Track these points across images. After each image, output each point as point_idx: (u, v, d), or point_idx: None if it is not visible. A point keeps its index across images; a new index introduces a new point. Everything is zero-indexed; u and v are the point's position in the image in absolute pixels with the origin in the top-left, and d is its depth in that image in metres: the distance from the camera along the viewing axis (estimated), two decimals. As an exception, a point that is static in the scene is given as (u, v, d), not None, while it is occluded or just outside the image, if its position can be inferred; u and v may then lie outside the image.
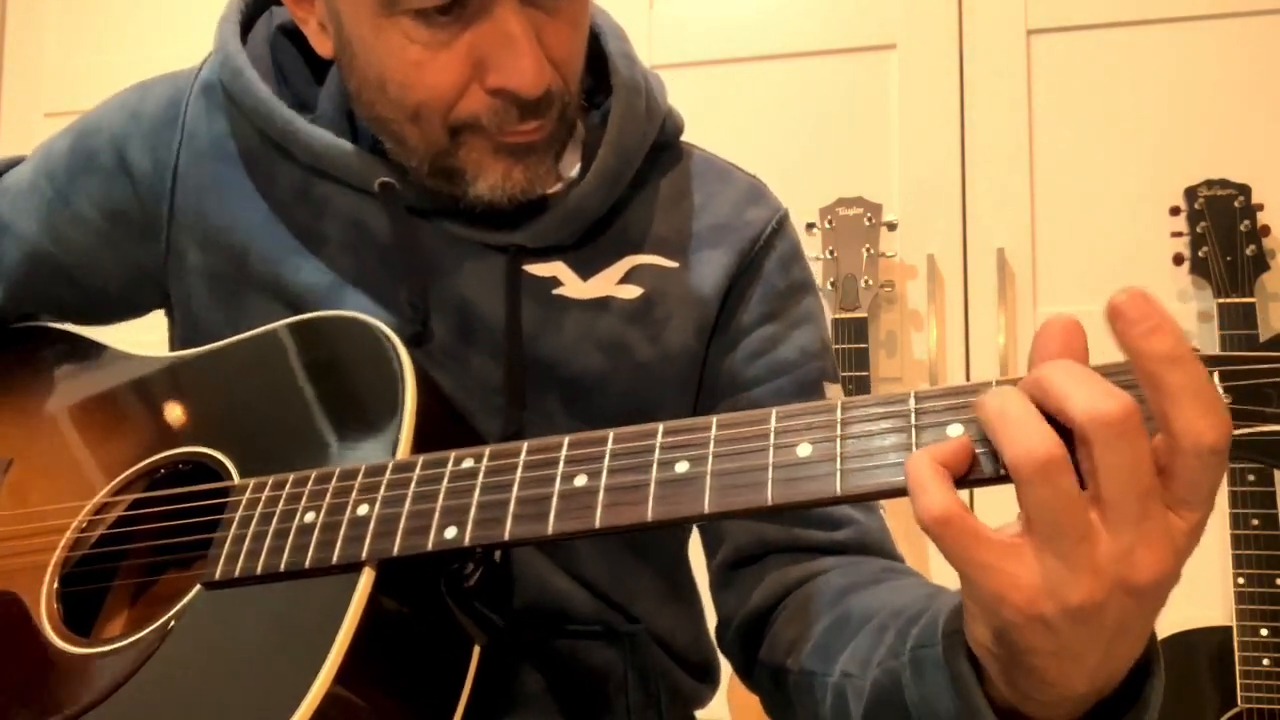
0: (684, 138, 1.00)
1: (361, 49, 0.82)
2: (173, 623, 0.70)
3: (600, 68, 0.93)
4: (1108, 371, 0.52)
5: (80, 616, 0.79)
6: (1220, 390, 0.50)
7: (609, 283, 0.90)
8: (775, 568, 0.88)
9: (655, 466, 0.61)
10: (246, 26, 0.95)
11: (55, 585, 0.79)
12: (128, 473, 0.82)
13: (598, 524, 0.60)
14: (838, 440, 0.57)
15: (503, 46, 0.78)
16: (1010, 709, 0.56)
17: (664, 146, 0.97)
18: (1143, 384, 0.48)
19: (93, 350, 0.94)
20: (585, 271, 0.90)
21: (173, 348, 0.98)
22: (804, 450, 0.57)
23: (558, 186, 0.90)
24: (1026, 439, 0.48)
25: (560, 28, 0.82)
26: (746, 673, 0.91)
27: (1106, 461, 0.47)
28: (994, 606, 0.50)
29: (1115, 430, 0.47)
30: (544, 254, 0.89)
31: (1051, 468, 0.47)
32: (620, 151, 0.90)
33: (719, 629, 0.93)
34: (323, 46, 0.87)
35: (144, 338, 0.99)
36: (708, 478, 0.59)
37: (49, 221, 0.96)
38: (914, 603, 0.68)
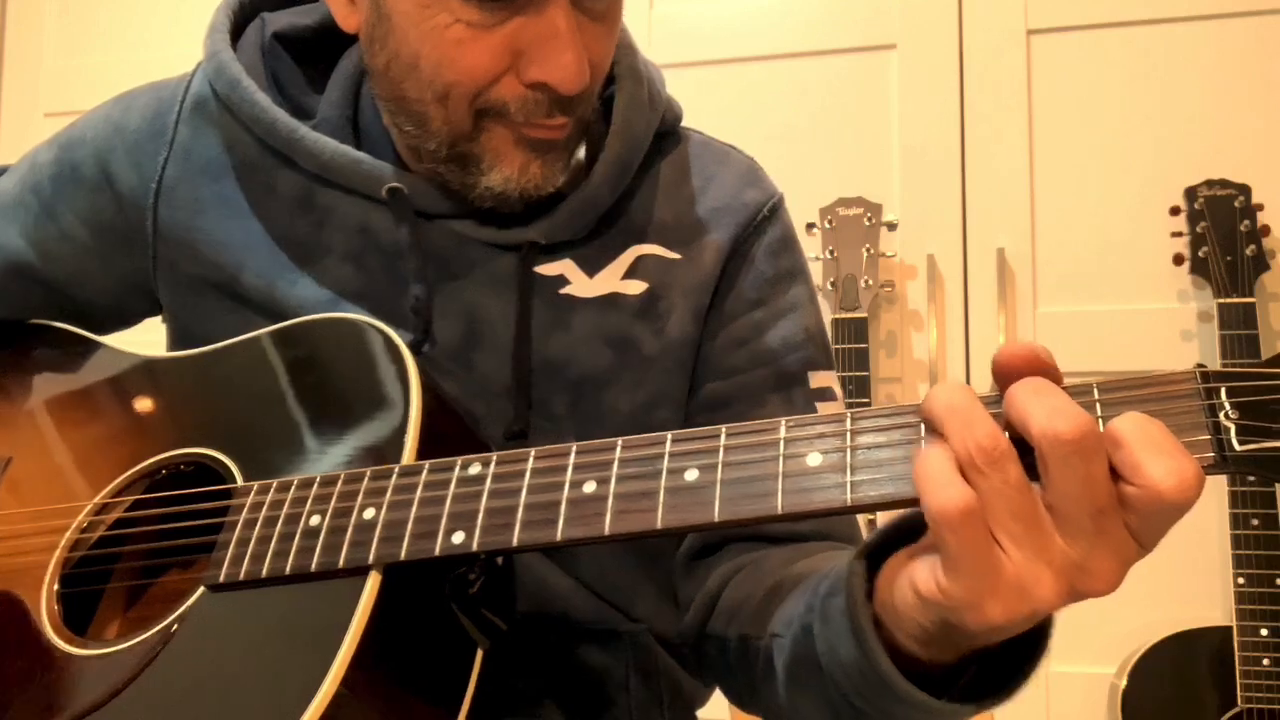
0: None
1: (401, 22, 0.81)
2: (176, 625, 0.70)
3: None
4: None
5: (80, 617, 0.79)
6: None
7: (614, 278, 0.90)
8: (733, 555, 0.89)
9: (665, 474, 0.60)
10: (235, 35, 0.95)
11: (55, 586, 0.78)
12: (129, 473, 0.82)
13: (607, 530, 0.60)
14: (848, 451, 0.57)
15: (549, 40, 0.79)
16: (908, 654, 0.59)
17: (665, 134, 0.97)
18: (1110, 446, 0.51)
19: (95, 349, 0.94)
20: (591, 268, 0.90)
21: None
22: (814, 459, 0.58)
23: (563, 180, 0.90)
24: (974, 432, 0.51)
25: (599, 32, 0.83)
26: (698, 654, 0.90)
27: (1059, 476, 0.50)
28: (967, 605, 0.53)
29: (1069, 449, 0.50)
30: (554, 251, 0.89)
31: (998, 454, 0.51)
32: (628, 140, 0.91)
33: (680, 617, 0.93)
34: (347, 21, 0.87)
35: (144, 338, 0.99)
36: (717, 486, 0.59)
37: (35, 236, 0.96)
38: (844, 561, 0.68)
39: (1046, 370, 0.54)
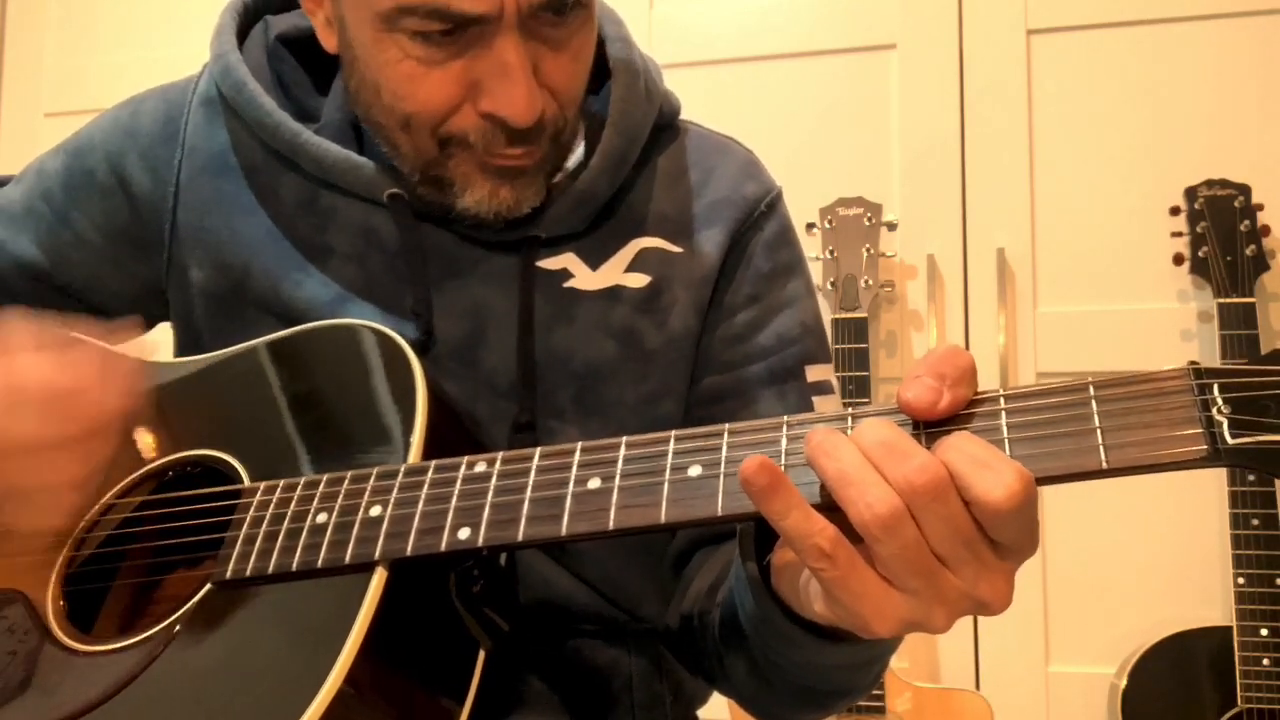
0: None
1: (361, 53, 0.82)
2: (182, 621, 0.70)
3: (597, 52, 0.93)
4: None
5: (86, 615, 0.79)
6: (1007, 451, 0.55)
7: (617, 271, 0.90)
8: (710, 549, 0.90)
9: (669, 470, 0.61)
10: (241, 36, 0.95)
11: (62, 584, 0.79)
12: (137, 473, 0.82)
13: (611, 525, 0.61)
14: None
15: (498, 75, 0.79)
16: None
17: (663, 127, 0.97)
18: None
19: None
20: (594, 260, 0.90)
21: (178, 356, 0.98)
22: None
23: (560, 175, 0.90)
24: (868, 497, 0.54)
25: (561, 59, 0.83)
26: (678, 645, 0.92)
27: (927, 522, 0.54)
28: (857, 625, 0.57)
29: (929, 497, 0.53)
30: (555, 244, 0.90)
31: (894, 521, 0.53)
32: (624, 131, 0.91)
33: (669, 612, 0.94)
34: (328, 41, 0.88)
35: (148, 338, 0.99)
36: (720, 480, 0.60)
37: (48, 243, 0.96)
38: None
39: (943, 414, 0.57)
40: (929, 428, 0.57)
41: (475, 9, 0.76)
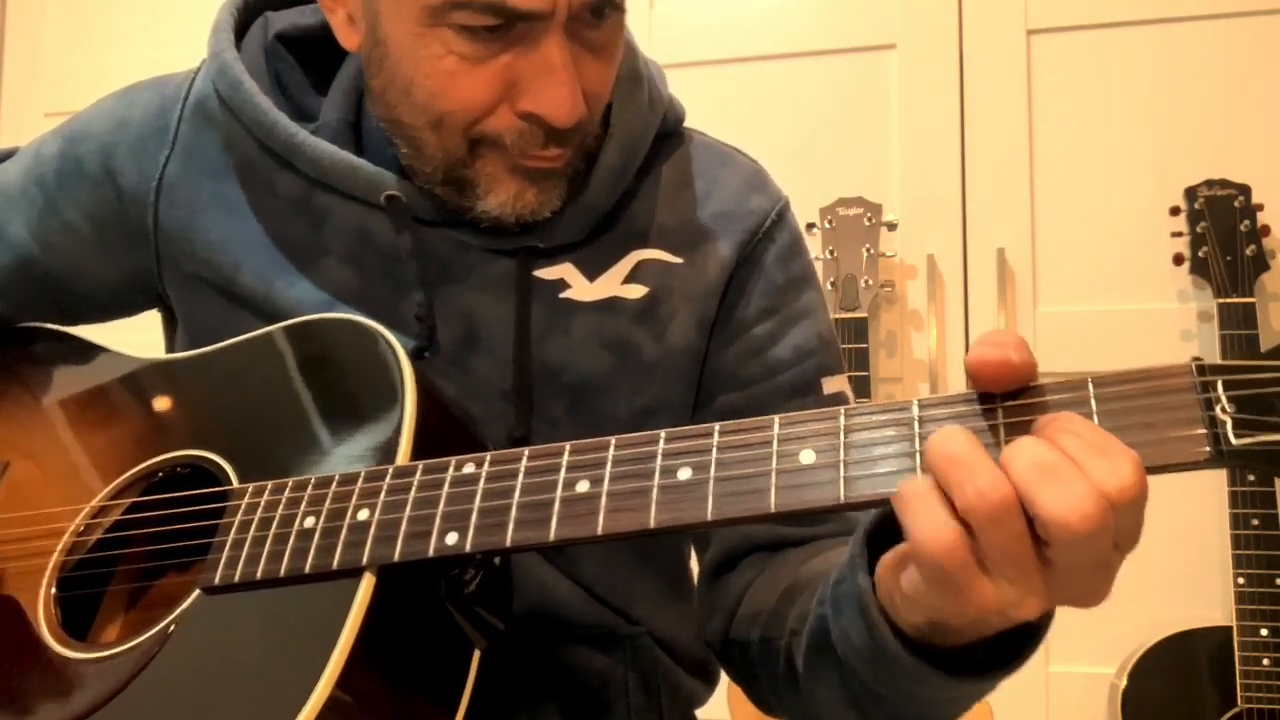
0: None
1: (395, 49, 0.81)
2: (172, 627, 0.70)
3: None
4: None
5: (78, 620, 0.79)
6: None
7: (615, 282, 0.89)
8: (754, 563, 0.89)
9: (658, 473, 0.60)
10: (239, 34, 0.94)
11: (53, 589, 0.78)
12: (126, 475, 0.82)
13: (600, 530, 0.60)
14: (841, 448, 0.57)
15: (543, 74, 0.78)
16: (918, 639, 0.59)
17: (666, 135, 0.96)
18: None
19: (91, 352, 0.94)
20: (592, 271, 0.89)
21: (169, 351, 0.98)
22: (807, 457, 0.57)
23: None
24: (977, 483, 0.50)
25: (598, 63, 0.82)
26: (724, 659, 0.91)
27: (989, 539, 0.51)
28: (951, 613, 0.54)
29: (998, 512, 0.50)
30: (552, 255, 0.89)
31: (1003, 509, 0.50)
32: (625, 144, 0.90)
33: (704, 628, 0.93)
34: (348, 40, 0.86)
35: (142, 338, 0.99)
36: (710, 484, 0.59)
37: (38, 228, 0.96)
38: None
39: (1019, 375, 0.54)
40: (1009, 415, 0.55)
41: (530, 6, 0.75)
